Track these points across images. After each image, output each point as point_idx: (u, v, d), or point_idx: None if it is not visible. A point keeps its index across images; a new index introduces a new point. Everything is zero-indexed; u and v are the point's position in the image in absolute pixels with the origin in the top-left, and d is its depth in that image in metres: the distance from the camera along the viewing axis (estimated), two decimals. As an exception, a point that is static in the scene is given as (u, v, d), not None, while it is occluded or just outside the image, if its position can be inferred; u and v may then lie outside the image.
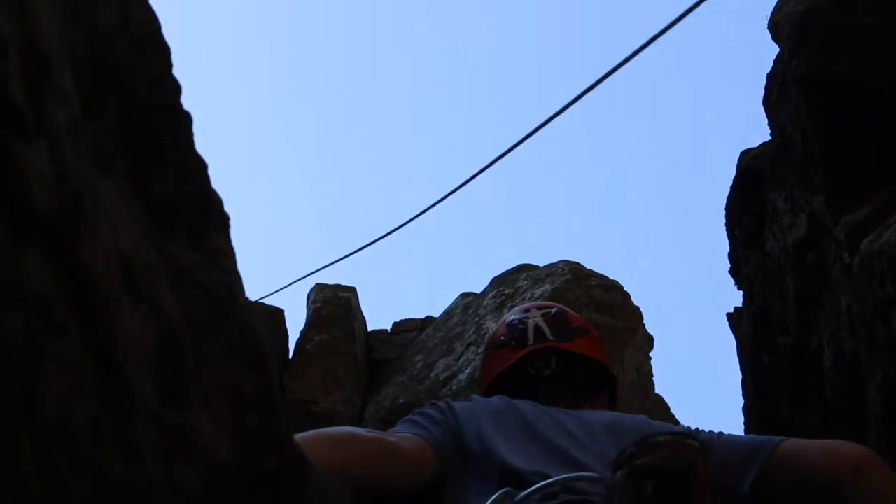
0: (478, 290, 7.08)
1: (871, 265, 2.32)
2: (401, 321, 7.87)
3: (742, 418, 3.56)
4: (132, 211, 0.80)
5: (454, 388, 5.88)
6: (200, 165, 1.00)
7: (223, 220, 1.02)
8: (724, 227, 3.66)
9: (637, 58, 3.76)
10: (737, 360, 3.66)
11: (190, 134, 0.99)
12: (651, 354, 6.46)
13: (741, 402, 3.58)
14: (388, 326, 7.84)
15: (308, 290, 7.60)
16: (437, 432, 1.99)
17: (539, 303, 2.96)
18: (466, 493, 1.92)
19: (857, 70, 2.68)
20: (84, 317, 0.65)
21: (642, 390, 6.31)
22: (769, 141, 3.30)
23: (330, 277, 7.91)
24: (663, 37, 3.65)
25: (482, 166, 4.91)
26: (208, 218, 0.99)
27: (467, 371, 5.96)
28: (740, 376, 3.60)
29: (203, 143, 1.01)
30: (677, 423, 6.33)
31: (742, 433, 3.46)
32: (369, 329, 7.70)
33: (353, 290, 7.58)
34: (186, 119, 0.99)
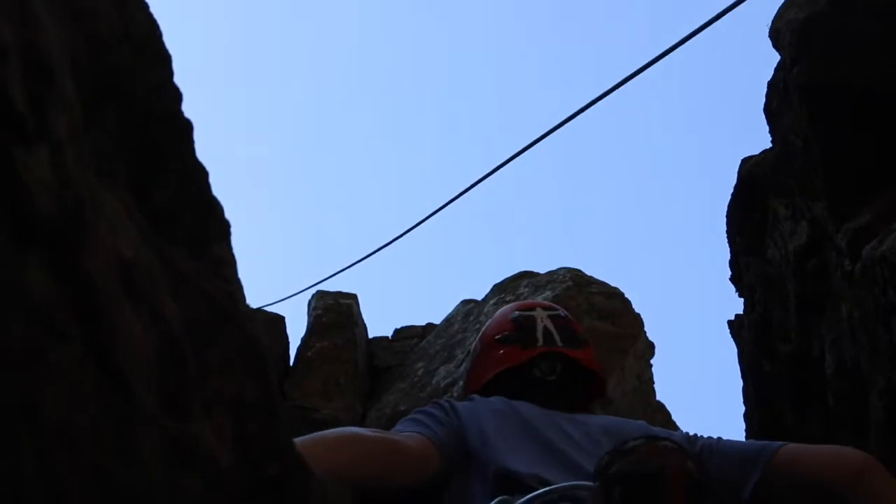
0: (479, 297, 7.08)
1: (872, 272, 2.32)
2: (402, 328, 7.87)
3: (743, 425, 3.55)
4: (133, 218, 0.80)
5: (455, 395, 5.87)
6: (201, 173, 1.00)
7: (224, 228, 1.02)
8: (725, 235, 3.66)
9: (636, 62, 3.75)
10: (738, 367, 3.65)
11: (191, 141, 1.00)
12: (652, 361, 6.46)
13: (742, 409, 3.57)
14: (390, 333, 7.84)
15: (309, 298, 7.60)
16: (441, 431, 1.98)
17: (542, 301, 2.90)
18: (468, 492, 1.92)
19: (859, 77, 2.68)
20: (86, 323, 0.65)
21: (643, 397, 6.30)
22: (770, 148, 3.30)
23: (331, 284, 7.92)
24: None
25: (482, 175, 4.90)
26: (209, 226, 0.99)
27: (468, 378, 5.95)
28: (741, 383, 3.60)
29: (203, 149, 1.01)
30: (678, 430, 6.33)
31: (743, 440, 3.46)
32: (370, 336, 7.70)
33: (354, 297, 7.58)
34: (187, 127, 0.99)
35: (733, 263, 3.67)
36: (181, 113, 0.99)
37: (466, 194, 5.07)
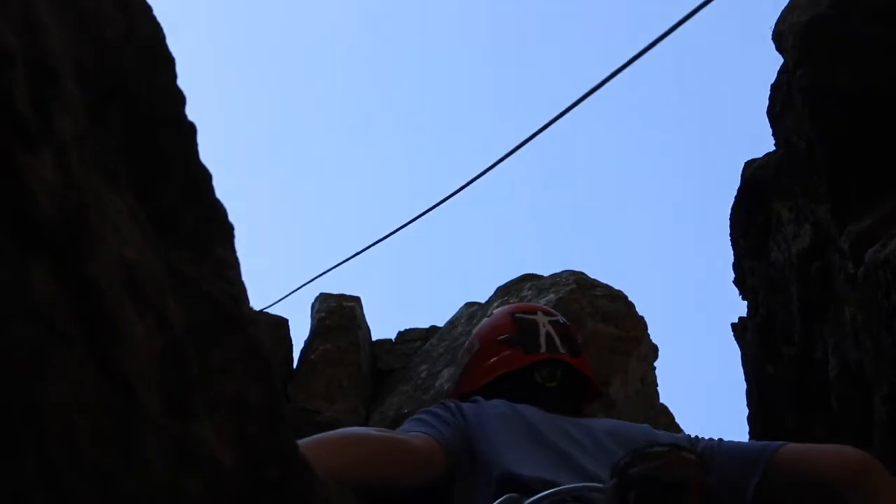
0: (482, 300, 7.08)
1: (875, 275, 2.32)
2: (405, 331, 7.86)
3: (747, 428, 3.55)
4: (137, 221, 0.80)
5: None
6: (205, 176, 1.00)
7: (228, 231, 1.02)
8: (729, 238, 3.66)
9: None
10: (741, 370, 3.65)
11: (194, 144, 1.00)
12: (656, 364, 6.45)
13: (746, 411, 3.57)
14: (393, 336, 7.83)
15: (312, 300, 7.60)
16: (447, 432, 1.98)
17: (542, 305, 2.89)
18: (473, 494, 1.92)
19: (862, 79, 2.69)
20: (89, 326, 0.65)
21: (647, 400, 6.30)
22: (773, 151, 3.30)
23: (334, 287, 7.91)
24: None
25: (480, 171, 4.89)
26: (213, 228, 0.99)
27: (472, 381, 5.95)
28: (745, 386, 3.59)
29: (203, 150, 1.01)
30: (682, 433, 6.32)
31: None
32: (374, 338, 7.69)
33: (357, 299, 7.57)
34: (191, 130, 1.00)
35: (737, 266, 3.67)
36: (185, 116, 1.00)
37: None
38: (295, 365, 7.06)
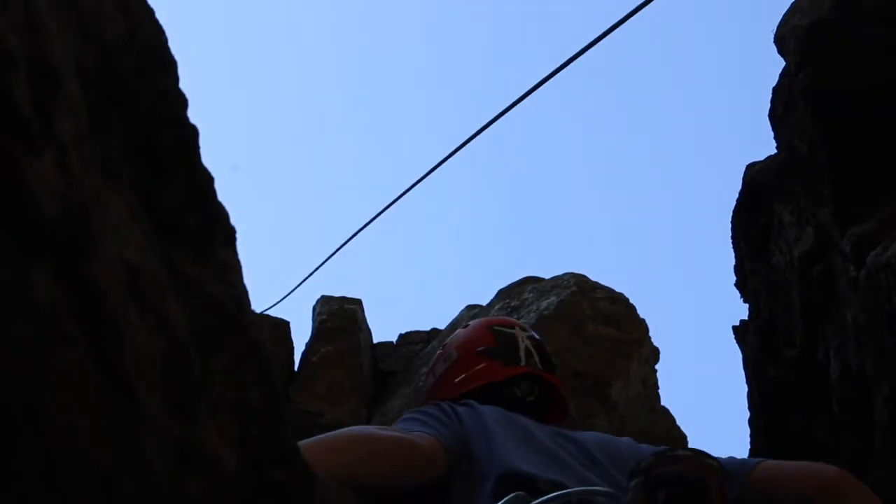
0: (483, 303, 7.08)
1: (877, 278, 2.32)
2: (406, 333, 7.87)
3: (748, 431, 3.55)
4: (139, 223, 0.80)
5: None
6: (207, 178, 1.00)
7: (229, 233, 1.02)
8: (731, 240, 3.66)
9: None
10: (743, 372, 3.65)
11: (196, 147, 1.00)
12: (657, 367, 6.45)
13: (747, 414, 3.57)
14: (394, 338, 7.84)
15: (314, 303, 7.61)
16: (445, 432, 1.99)
17: (518, 321, 2.90)
18: (473, 494, 1.92)
19: (864, 82, 2.69)
20: (91, 328, 0.65)
21: (648, 402, 6.30)
22: (775, 154, 3.30)
23: (335, 289, 7.91)
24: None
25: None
26: (215, 231, 0.99)
27: (473, 383, 5.94)
28: (746, 389, 3.59)
29: (207, 153, 1.01)
30: (683, 435, 6.32)
31: (748, 445, 3.46)
32: (375, 341, 7.70)
33: (358, 302, 7.58)
34: (193, 132, 1.00)
35: (738, 269, 3.67)
36: (187, 118, 1.00)
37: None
38: (296, 367, 7.06)
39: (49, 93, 0.67)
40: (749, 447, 3.45)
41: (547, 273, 6.85)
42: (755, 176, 3.40)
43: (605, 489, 1.83)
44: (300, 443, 1.19)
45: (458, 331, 2.64)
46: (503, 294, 6.86)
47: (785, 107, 3.09)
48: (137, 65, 0.91)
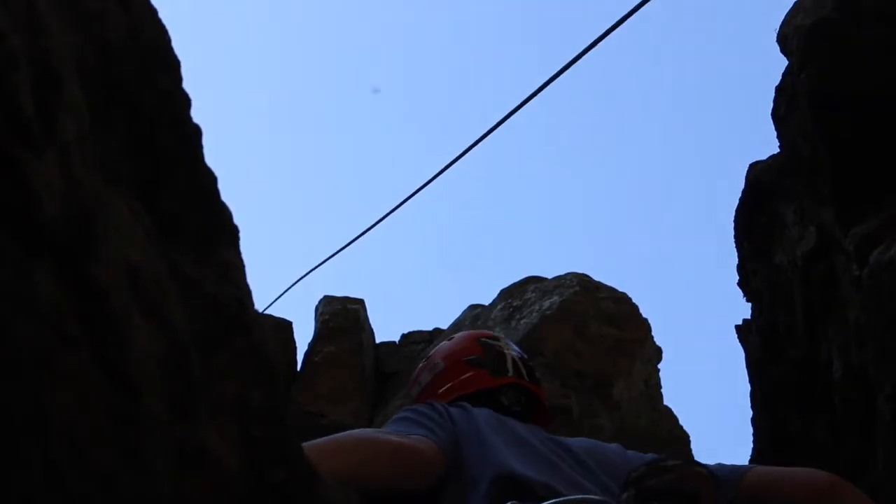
0: (486, 302, 7.07)
1: (880, 277, 2.32)
2: (409, 333, 7.86)
3: (751, 430, 3.55)
4: (141, 223, 0.80)
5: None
6: (210, 178, 1.00)
7: (232, 233, 1.02)
8: (733, 240, 3.66)
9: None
10: (745, 372, 3.65)
11: (199, 147, 1.00)
12: (659, 366, 6.45)
13: (750, 413, 3.57)
14: (397, 338, 7.83)
15: (316, 303, 7.61)
16: (443, 435, 1.99)
17: (501, 335, 2.93)
18: (465, 497, 1.92)
19: (867, 82, 2.68)
20: (93, 329, 0.65)
21: (650, 402, 6.30)
22: (778, 153, 3.30)
23: (338, 289, 7.92)
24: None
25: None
26: (217, 231, 0.99)
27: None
28: (749, 388, 3.59)
29: (209, 152, 1.01)
30: (686, 434, 6.32)
31: (751, 445, 3.46)
32: (377, 341, 7.69)
33: (361, 302, 7.58)
34: (196, 132, 1.00)
35: (741, 268, 3.67)
36: (190, 118, 1.00)
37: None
38: (299, 367, 7.06)
39: (51, 93, 0.67)
40: (752, 447, 3.45)
41: (550, 273, 6.85)
42: (758, 175, 3.39)
43: (601, 498, 1.83)
44: (305, 444, 1.19)
45: (442, 343, 2.67)
46: (506, 294, 6.86)
47: (788, 106, 3.09)
48: (139, 65, 0.92)
